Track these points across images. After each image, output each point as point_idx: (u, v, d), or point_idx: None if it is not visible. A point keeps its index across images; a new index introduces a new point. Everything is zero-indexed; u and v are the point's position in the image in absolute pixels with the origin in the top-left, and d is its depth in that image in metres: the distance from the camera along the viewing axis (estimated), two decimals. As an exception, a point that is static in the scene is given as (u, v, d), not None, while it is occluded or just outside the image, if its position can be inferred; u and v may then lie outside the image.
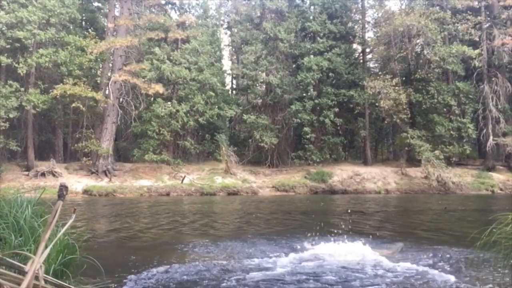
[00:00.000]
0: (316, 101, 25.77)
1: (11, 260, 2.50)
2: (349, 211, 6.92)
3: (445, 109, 26.19)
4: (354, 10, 31.47)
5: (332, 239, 6.46)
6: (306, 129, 25.35)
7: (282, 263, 4.88)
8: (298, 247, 5.88)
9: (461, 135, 25.68)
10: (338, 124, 25.74)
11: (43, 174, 21.16)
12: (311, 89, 26.19)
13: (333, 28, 27.04)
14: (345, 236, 6.98)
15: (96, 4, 30.49)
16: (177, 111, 24.42)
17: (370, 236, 6.58)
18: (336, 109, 25.80)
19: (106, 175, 22.41)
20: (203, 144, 26.80)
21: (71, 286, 2.56)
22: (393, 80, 24.92)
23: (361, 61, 31.16)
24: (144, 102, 24.71)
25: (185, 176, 22.31)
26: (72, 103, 22.08)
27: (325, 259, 5.21)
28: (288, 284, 4.06)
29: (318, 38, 27.27)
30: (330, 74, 26.55)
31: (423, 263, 4.82)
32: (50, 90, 21.97)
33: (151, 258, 5.07)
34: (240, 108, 27.80)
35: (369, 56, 32.44)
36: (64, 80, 22.30)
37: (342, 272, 4.69)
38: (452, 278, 4.05)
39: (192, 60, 25.44)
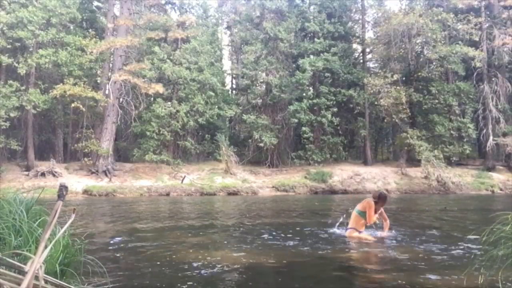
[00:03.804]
0: (314, 101, 25.80)
1: (11, 260, 2.50)
2: (349, 210, 6.94)
3: (445, 109, 26.22)
4: (354, 9, 31.52)
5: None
6: (305, 129, 25.39)
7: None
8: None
9: (461, 135, 25.72)
10: (336, 123, 25.76)
11: (43, 174, 21.16)
12: (311, 89, 26.20)
13: (332, 28, 27.07)
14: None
15: (96, 3, 30.50)
16: (177, 111, 24.43)
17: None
18: (335, 109, 25.83)
19: (106, 175, 22.41)
20: (203, 144, 26.82)
21: (71, 286, 2.56)
22: (394, 76, 24.92)
23: (361, 61, 31.20)
24: (144, 102, 24.72)
25: (185, 176, 22.31)
26: (72, 103, 22.09)
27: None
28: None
29: (316, 38, 27.33)
30: (327, 74, 26.57)
31: (421, 262, 4.82)
32: (50, 90, 21.98)
33: (151, 258, 5.08)
34: (240, 108, 27.83)
35: (369, 56, 32.48)
36: (64, 80, 22.31)
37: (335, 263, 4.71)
38: (451, 278, 4.05)
39: (192, 60, 25.46)
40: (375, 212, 6.45)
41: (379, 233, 6.64)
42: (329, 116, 25.37)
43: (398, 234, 6.83)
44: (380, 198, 6.51)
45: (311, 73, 25.83)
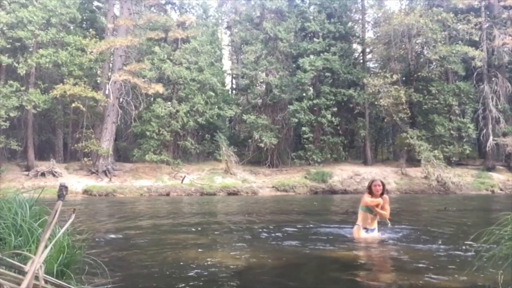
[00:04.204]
0: (314, 101, 25.80)
1: (11, 260, 2.50)
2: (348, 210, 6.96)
3: (445, 109, 26.24)
4: (354, 10, 31.52)
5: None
6: (305, 129, 25.39)
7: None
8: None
9: (461, 135, 25.72)
10: (335, 123, 25.74)
11: (43, 174, 21.16)
12: (311, 89, 26.19)
13: (332, 28, 27.08)
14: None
15: (96, 3, 30.52)
16: (177, 111, 24.43)
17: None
18: (335, 109, 25.84)
19: (106, 175, 22.41)
20: (203, 144, 26.83)
21: (71, 286, 2.56)
22: (393, 76, 24.95)
23: (361, 61, 31.21)
24: (144, 102, 24.73)
25: (185, 176, 22.31)
26: (72, 103, 22.11)
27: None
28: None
29: (315, 38, 27.36)
30: (327, 73, 26.57)
31: (421, 262, 4.82)
32: (50, 90, 21.99)
33: (151, 258, 5.07)
34: (240, 108, 27.83)
35: (369, 56, 32.49)
36: (65, 80, 22.32)
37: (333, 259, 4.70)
38: (451, 278, 4.05)
39: (192, 60, 25.47)
40: (375, 197, 6.32)
41: (380, 234, 6.58)
42: (329, 116, 25.37)
43: (398, 234, 6.82)
44: (368, 187, 6.43)
45: (315, 73, 25.80)
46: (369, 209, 6.33)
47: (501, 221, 3.28)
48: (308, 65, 25.47)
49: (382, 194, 6.37)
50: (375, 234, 6.40)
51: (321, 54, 26.30)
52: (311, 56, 26.43)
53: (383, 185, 6.40)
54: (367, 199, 6.33)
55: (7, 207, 3.72)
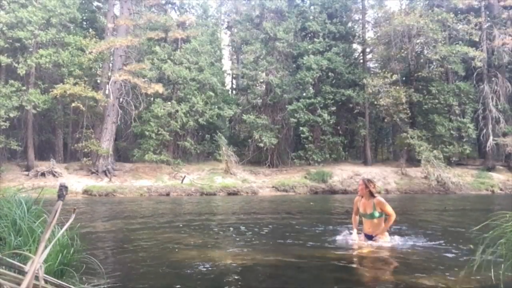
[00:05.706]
0: (313, 100, 25.78)
1: (11, 260, 2.49)
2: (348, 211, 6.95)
3: (445, 109, 26.24)
4: (354, 10, 31.53)
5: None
6: (303, 129, 25.38)
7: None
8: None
9: (461, 135, 25.72)
10: (332, 123, 25.69)
11: (43, 174, 21.15)
12: (310, 88, 26.17)
13: (332, 28, 27.09)
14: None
15: (96, 3, 30.52)
16: (177, 111, 24.43)
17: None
18: (333, 108, 25.82)
19: (106, 175, 22.40)
20: (203, 144, 26.83)
21: (71, 286, 2.55)
22: (392, 76, 24.95)
23: (361, 61, 31.21)
24: (144, 102, 24.73)
25: (185, 176, 22.31)
26: (72, 103, 22.10)
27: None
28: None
29: (315, 39, 27.35)
30: (330, 73, 26.55)
31: (421, 262, 4.81)
32: (50, 90, 21.99)
33: (150, 257, 5.07)
34: (240, 108, 27.83)
35: (369, 56, 32.48)
36: (65, 80, 22.31)
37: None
38: (451, 278, 4.05)
39: (192, 60, 25.47)
40: (365, 198, 5.92)
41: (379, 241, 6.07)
42: (325, 115, 25.33)
43: (398, 234, 6.81)
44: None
45: (319, 73, 25.74)
46: (363, 213, 5.94)
47: (500, 219, 3.27)
48: (313, 63, 25.44)
49: (372, 195, 5.77)
50: (383, 243, 5.78)
51: (324, 54, 26.29)
52: (312, 56, 26.42)
53: (365, 184, 5.76)
54: (353, 236, 5.99)
55: (7, 207, 3.72)
